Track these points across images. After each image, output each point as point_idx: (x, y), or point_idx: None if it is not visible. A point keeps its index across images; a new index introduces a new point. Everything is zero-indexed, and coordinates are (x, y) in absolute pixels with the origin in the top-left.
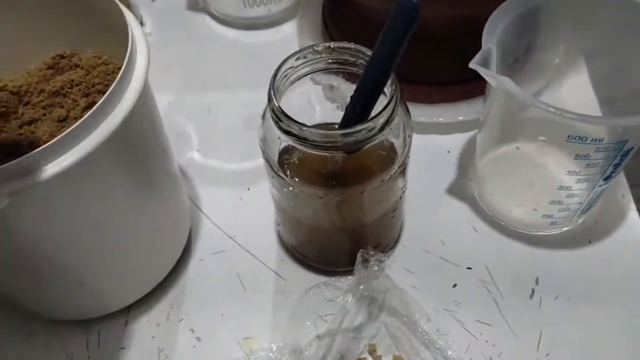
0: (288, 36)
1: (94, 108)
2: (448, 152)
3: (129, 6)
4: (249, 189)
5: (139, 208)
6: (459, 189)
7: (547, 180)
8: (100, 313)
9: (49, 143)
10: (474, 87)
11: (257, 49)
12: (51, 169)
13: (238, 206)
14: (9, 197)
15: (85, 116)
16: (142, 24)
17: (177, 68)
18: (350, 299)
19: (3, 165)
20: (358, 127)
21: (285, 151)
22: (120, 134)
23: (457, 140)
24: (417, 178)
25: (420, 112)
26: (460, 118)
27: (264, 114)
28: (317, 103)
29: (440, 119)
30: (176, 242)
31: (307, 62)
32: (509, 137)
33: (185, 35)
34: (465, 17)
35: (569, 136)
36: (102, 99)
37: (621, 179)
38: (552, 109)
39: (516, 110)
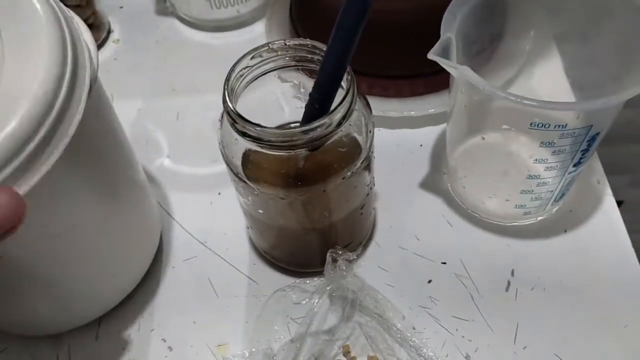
0: (257, 36)
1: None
2: (421, 145)
3: (95, 13)
4: (219, 193)
5: (105, 219)
6: (433, 183)
7: (517, 169)
8: (70, 327)
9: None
10: (443, 78)
11: (226, 50)
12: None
13: (209, 211)
14: None
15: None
16: (110, 30)
17: (146, 73)
18: (317, 300)
19: None
20: (315, 124)
21: (247, 154)
22: (74, 149)
23: (429, 134)
24: (390, 173)
25: (390, 107)
26: (431, 111)
27: (222, 117)
28: (285, 102)
29: (412, 113)
30: (146, 250)
31: (263, 60)
32: (475, 127)
33: (154, 40)
34: (430, 7)
35: (531, 123)
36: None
37: (596, 165)
38: (511, 97)
39: (479, 100)
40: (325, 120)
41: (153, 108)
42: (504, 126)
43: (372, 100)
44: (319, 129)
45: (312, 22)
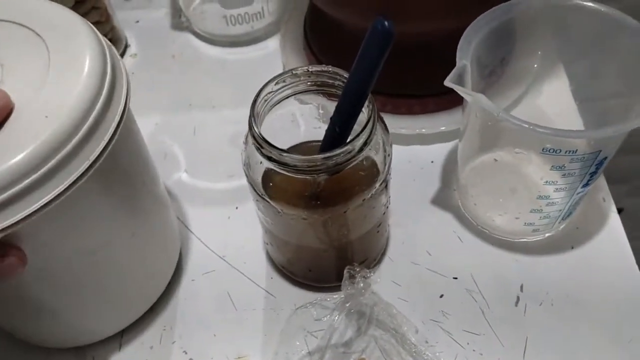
0: (271, 52)
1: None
2: (432, 162)
3: (113, 28)
4: (237, 207)
5: (128, 235)
6: (444, 199)
7: (527, 189)
8: (93, 339)
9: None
10: (454, 98)
11: (241, 65)
12: (36, 203)
13: (227, 225)
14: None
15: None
16: (127, 45)
17: (163, 88)
18: (337, 317)
19: None
20: (337, 151)
21: (268, 174)
22: (103, 167)
23: (440, 150)
24: (402, 189)
25: (402, 124)
26: (442, 128)
27: (246, 138)
28: (302, 121)
29: (423, 130)
30: (167, 264)
31: (286, 85)
32: (487, 147)
33: (170, 55)
34: (442, 30)
35: (543, 149)
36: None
37: (601, 183)
38: (525, 125)
39: (492, 124)
40: (348, 146)
41: (170, 123)
42: (517, 150)
43: (384, 117)
44: (342, 155)
45: (325, 39)
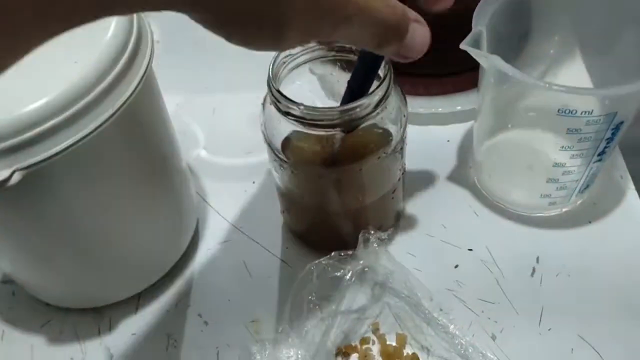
0: None
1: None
2: (448, 141)
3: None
4: (254, 182)
5: (146, 195)
6: (459, 176)
7: (543, 159)
8: (111, 300)
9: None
10: (470, 78)
11: (259, 52)
12: (60, 145)
13: (244, 198)
14: (20, 173)
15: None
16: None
17: (184, 72)
18: (349, 275)
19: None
20: (355, 104)
21: (286, 140)
22: (126, 117)
23: (456, 130)
24: (418, 167)
25: (419, 104)
26: (458, 108)
27: (264, 100)
28: (316, 98)
29: (440, 109)
30: (184, 232)
31: (304, 50)
32: (503, 119)
33: (192, 41)
34: (460, 9)
35: (559, 110)
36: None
37: (619, 160)
38: (541, 83)
39: (508, 92)
40: (364, 100)
41: (190, 103)
42: (531, 113)
43: None
44: (357, 109)
45: None
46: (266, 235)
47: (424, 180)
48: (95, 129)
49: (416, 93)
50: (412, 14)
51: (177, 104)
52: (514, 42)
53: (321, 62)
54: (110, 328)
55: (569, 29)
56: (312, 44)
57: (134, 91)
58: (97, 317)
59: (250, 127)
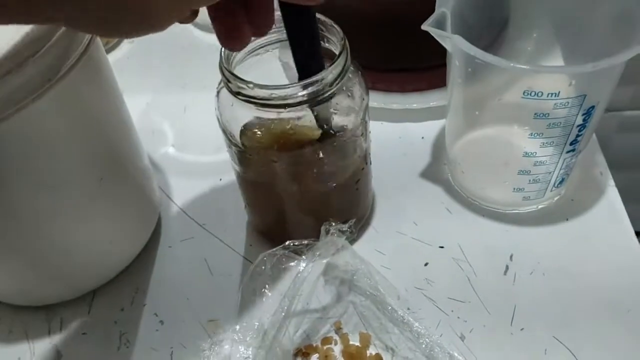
0: None
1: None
2: (422, 138)
3: None
4: (220, 179)
5: (97, 188)
6: (433, 173)
7: (514, 151)
8: (63, 298)
9: None
10: (444, 74)
11: None
12: None
13: (209, 196)
14: None
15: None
16: None
17: (157, 71)
18: (304, 264)
19: None
20: (308, 81)
21: (244, 125)
22: (65, 96)
23: (430, 127)
24: (391, 164)
25: (393, 100)
26: (433, 104)
27: (219, 83)
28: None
29: (414, 105)
30: (143, 227)
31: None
32: (472, 111)
33: (167, 42)
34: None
35: (524, 92)
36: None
37: (599, 158)
38: (503, 62)
39: (472, 75)
40: (318, 77)
41: (162, 102)
42: (498, 101)
43: (375, 95)
44: (311, 87)
45: None
46: (230, 232)
47: (396, 176)
48: (24, 98)
49: (390, 89)
50: None
51: (147, 103)
52: (486, 38)
53: (284, 46)
54: (61, 327)
55: (547, 25)
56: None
57: (69, 69)
58: (49, 315)
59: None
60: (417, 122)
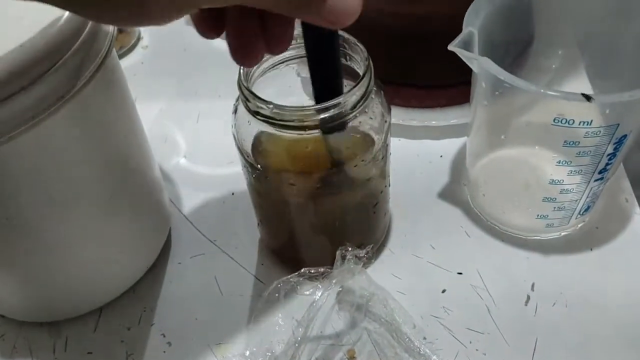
0: None
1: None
2: (441, 156)
3: None
4: (233, 193)
5: (110, 198)
6: (452, 194)
7: (539, 176)
8: (69, 315)
9: None
10: (467, 91)
11: None
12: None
13: (221, 210)
14: None
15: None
16: (139, 37)
17: (171, 78)
18: (320, 294)
19: None
20: (329, 103)
21: (258, 139)
22: (78, 108)
23: (450, 145)
24: (408, 182)
25: (411, 116)
26: (453, 121)
27: (237, 100)
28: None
29: (433, 122)
30: (153, 242)
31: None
32: (496, 132)
33: (182, 49)
34: (455, 14)
35: (554, 119)
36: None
37: (624, 184)
38: (533, 87)
39: (499, 97)
40: (340, 100)
41: (174, 109)
42: (526, 125)
43: (393, 110)
44: (332, 110)
45: None
46: (241, 250)
47: (413, 196)
48: (38, 114)
49: (409, 105)
50: None
51: (160, 110)
52: (512, 51)
53: (300, 61)
54: (67, 345)
55: (572, 43)
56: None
57: (84, 84)
58: (54, 332)
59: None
60: (436, 139)
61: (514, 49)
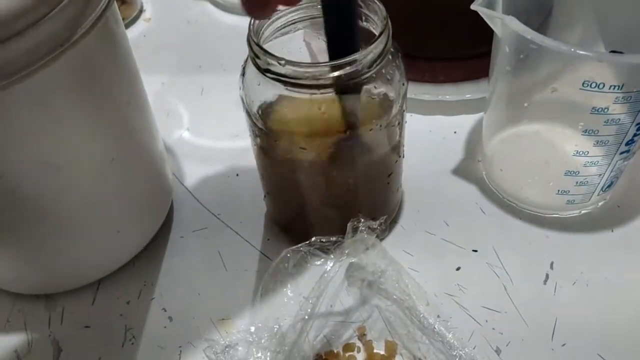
0: None
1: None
2: (455, 132)
3: None
4: (237, 169)
5: (105, 158)
6: (466, 170)
7: (562, 149)
8: (66, 287)
9: None
10: (482, 64)
11: None
12: None
13: (225, 184)
14: None
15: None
16: (142, 9)
17: (174, 50)
18: (332, 264)
19: None
20: (346, 59)
21: (268, 104)
22: (77, 59)
23: (464, 121)
24: (421, 159)
25: (424, 90)
26: (468, 96)
27: (245, 61)
28: None
29: (447, 97)
30: (154, 214)
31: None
32: (517, 104)
33: (185, 21)
34: None
35: (584, 82)
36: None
37: None
38: (564, 47)
39: (523, 62)
40: (356, 56)
41: (178, 83)
42: (551, 93)
43: None
44: (348, 67)
45: None
46: (246, 224)
47: (426, 172)
48: (33, 62)
49: (422, 79)
50: None
51: (162, 83)
52: (533, 25)
53: (314, 27)
54: (63, 318)
55: (591, 17)
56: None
57: (83, 35)
58: (50, 305)
59: (240, 109)
60: (450, 115)
61: (536, 19)
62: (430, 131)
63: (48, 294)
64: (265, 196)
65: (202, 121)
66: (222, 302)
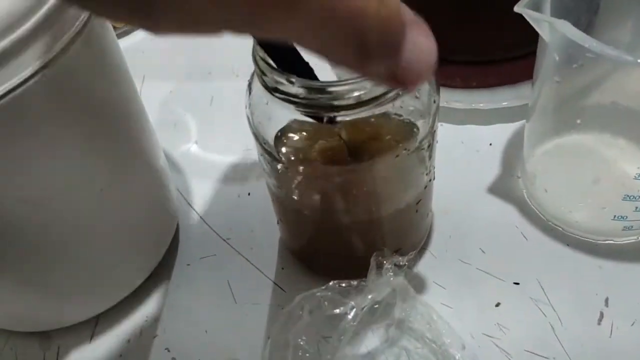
0: None
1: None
2: (490, 144)
3: None
4: (249, 188)
5: (94, 188)
6: (504, 188)
7: (619, 168)
8: (61, 324)
9: None
10: (521, 68)
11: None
12: None
13: (236, 204)
14: None
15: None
16: None
17: (182, 55)
18: (353, 313)
19: None
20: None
21: (282, 128)
22: (59, 77)
23: (500, 132)
24: (451, 174)
25: (455, 98)
26: (505, 104)
27: (252, 76)
28: None
29: (481, 105)
30: (157, 241)
31: None
32: (566, 116)
33: None
34: None
35: None
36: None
37: None
38: (628, 57)
39: (575, 72)
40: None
41: (186, 90)
42: (606, 106)
43: None
44: (369, 85)
45: None
46: (258, 251)
47: (458, 191)
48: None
49: (452, 85)
50: (409, 12)
51: (170, 91)
52: (582, 25)
53: None
54: (58, 357)
55: None
56: None
57: (63, 49)
58: (44, 343)
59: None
60: (484, 125)
61: (585, 19)
62: (462, 142)
63: (42, 331)
64: (278, 221)
65: (211, 133)
66: (231, 341)
